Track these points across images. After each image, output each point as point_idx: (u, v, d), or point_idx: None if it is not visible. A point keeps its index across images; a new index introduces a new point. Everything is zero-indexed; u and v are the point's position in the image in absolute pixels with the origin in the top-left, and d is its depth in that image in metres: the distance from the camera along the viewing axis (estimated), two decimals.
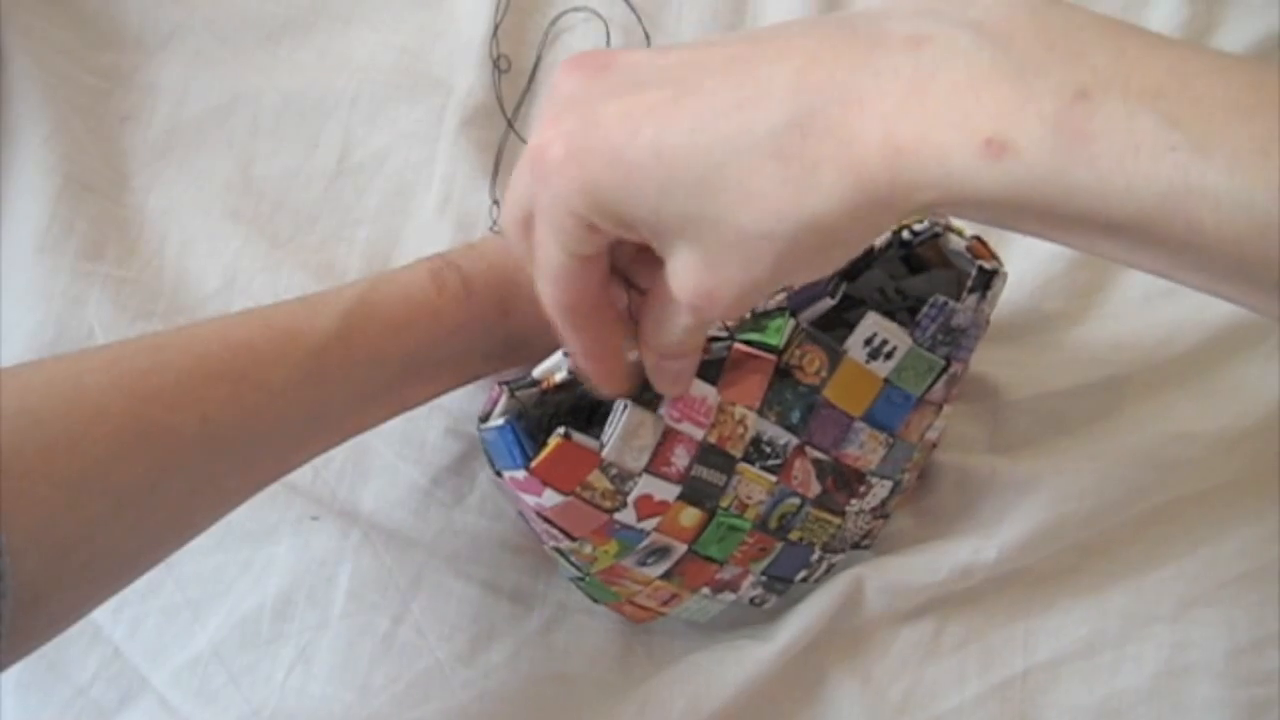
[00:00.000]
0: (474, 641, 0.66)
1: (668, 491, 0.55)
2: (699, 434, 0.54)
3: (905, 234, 0.57)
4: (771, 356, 0.55)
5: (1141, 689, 0.67)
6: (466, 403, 0.68)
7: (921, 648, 0.68)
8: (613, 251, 0.42)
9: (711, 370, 0.54)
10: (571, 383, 0.53)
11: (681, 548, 0.58)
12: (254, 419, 0.50)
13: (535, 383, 0.54)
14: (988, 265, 0.58)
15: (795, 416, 0.57)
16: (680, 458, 0.54)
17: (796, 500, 0.60)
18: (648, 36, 0.78)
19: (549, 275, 0.41)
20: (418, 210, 0.74)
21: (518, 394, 0.54)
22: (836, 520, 0.63)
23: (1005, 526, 0.66)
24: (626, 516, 0.55)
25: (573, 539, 0.56)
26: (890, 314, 0.57)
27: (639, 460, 0.53)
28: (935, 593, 0.67)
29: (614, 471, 0.53)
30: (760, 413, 0.56)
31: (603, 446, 0.52)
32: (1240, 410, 0.70)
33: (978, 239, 0.58)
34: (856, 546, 0.67)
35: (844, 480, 0.61)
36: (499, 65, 0.76)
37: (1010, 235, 0.75)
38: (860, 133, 0.33)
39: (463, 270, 0.58)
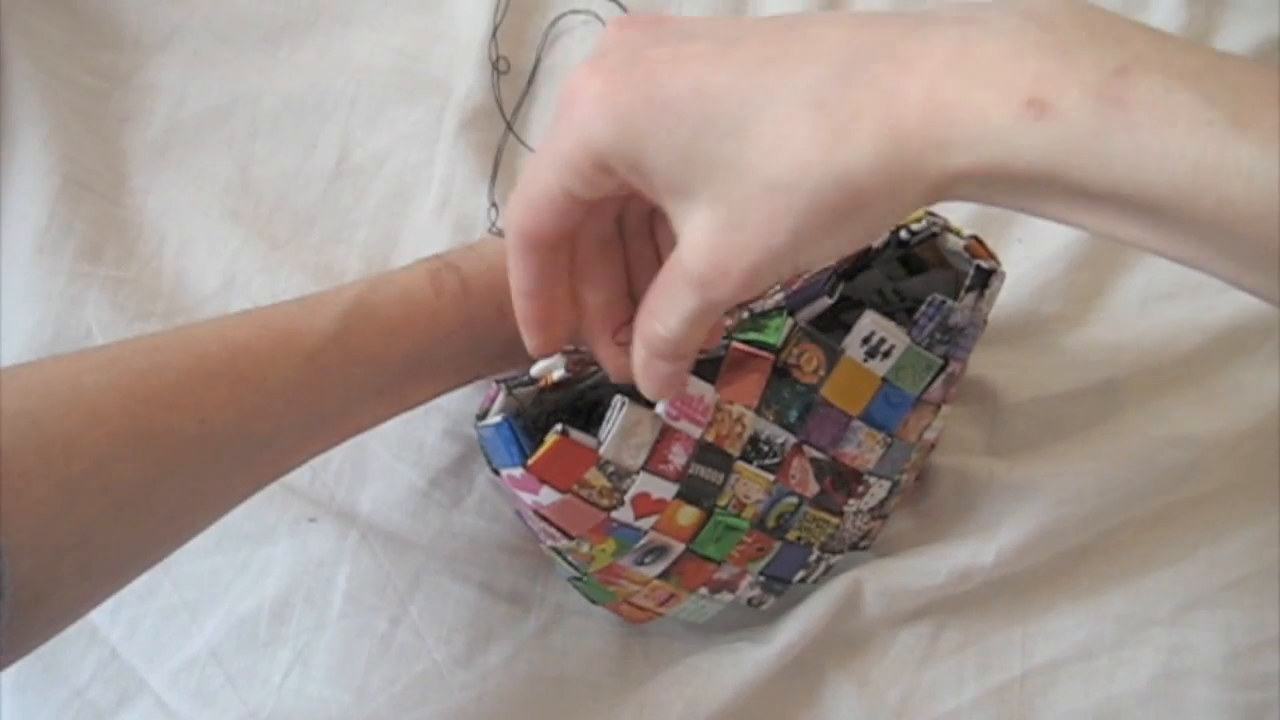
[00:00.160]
0: (472, 643, 0.66)
1: (665, 490, 0.55)
2: (697, 432, 0.54)
3: (903, 234, 0.58)
4: (769, 355, 0.55)
5: (1139, 692, 0.67)
6: (465, 404, 0.68)
7: (919, 650, 0.68)
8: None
9: (709, 369, 0.54)
10: (569, 381, 0.53)
11: (679, 547, 0.58)
12: (252, 420, 0.50)
13: (533, 380, 0.54)
14: (985, 264, 0.58)
15: (793, 415, 0.57)
16: (678, 456, 0.54)
17: (794, 499, 0.60)
18: None
19: (528, 198, 0.40)
20: (416, 212, 0.75)
21: (515, 391, 0.54)
22: (835, 520, 0.63)
23: (1003, 529, 0.66)
24: (624, 514, 0.55)
25: (570, 537, 0.56)
26: (888, 315, 0.57)
27: (636, 458, 0.53)
28: (933, 596, 0.67)
29: (611, 469, 0.53)
30: (758, 411, 0.56)
31: (600, 444, 0.52)
32: (1238, 414, 0.70)
33: (975, 238, 0.58)
34: (855, 547, 0.67)
35: (842, 480, 0.61)
36: (498, 67, 0.76)
37: (1008, 236, 0.76)
38: (903, 89, 0.33)
39: (461, 271, 0.58)
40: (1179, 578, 0.69)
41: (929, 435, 0.64)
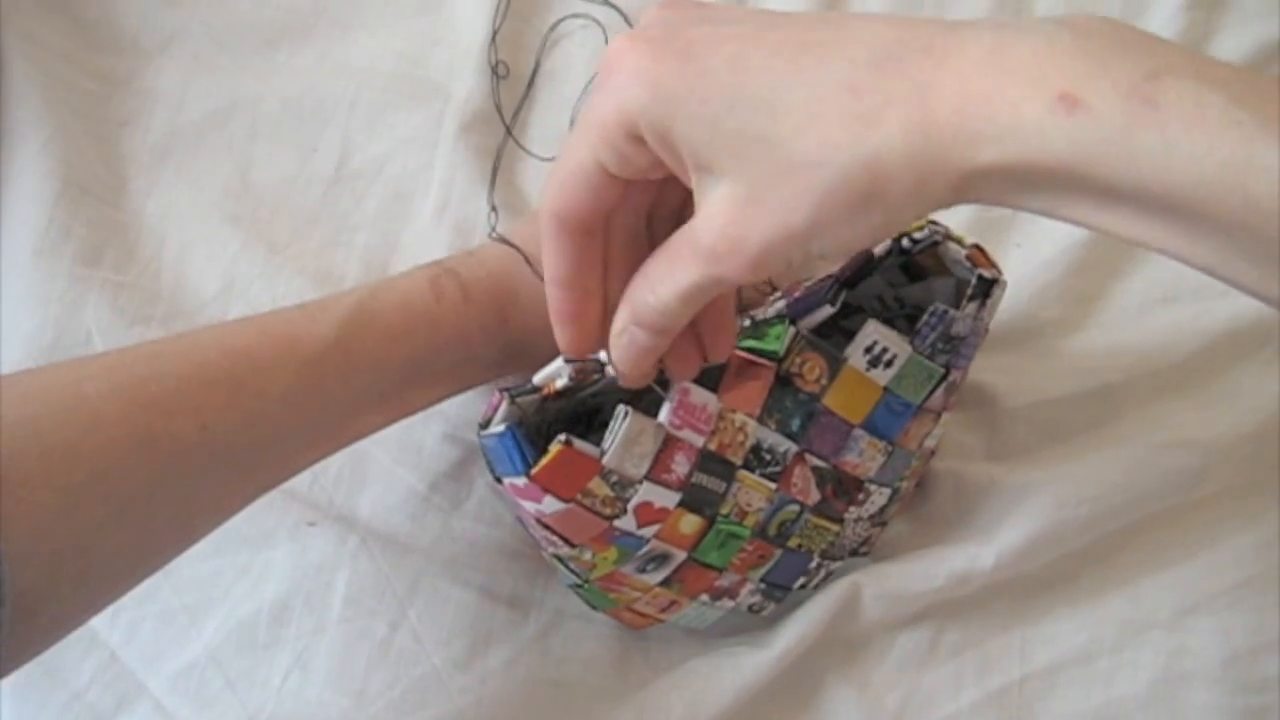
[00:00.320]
0: (471, 647, 0.66)
1: (668, 499, 0.55)
2: (699, 441, 0.54)
3: (905, 242, 0.58)
4: (772, 364, 0.55)
5: (1139, 696, 0.67)
6: (464, 408, 0.68)
7: (918, 655, 0.68)
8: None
9: (712, 377, 0.54)
10: (572, 389, 0.53)
11: (681, 555, 0.58)
12: (252, 426, 0.50)
13: (536, 389, 0.54)
14: (987, 274, 0.58)
15: (795, 424, 0.57)
16: (680, 465, 0.54)
17: (796, 507, 0.60)
18: None
19: (561, 176, 0.41)
20: (416, 216, 0.75)
21: (518, 400, 0.54)
22: (835, 528, 0.63)
23: (1002, 533, 0.66)
24: (626, 523, 0.55)
25: (572, 546, 0.55)
26: (889, 321, 0.57)
27: (639, 467, 0.53)
28: (932, 600, 0.67)
29: (614, 478, 0.53)
30: (760, 420, 0.56)
31: (603, 453, 0.52)
32: (1237, 418, 0.70)
33: (977, 247, 0.58)
34: (855, 554, 0.67)
35: (843, 488, 0.61)
36: (497, 71, 0.76)
37: (1006, 241, 0.76)
38: (937, 81, 0.34)
39: (461, 278, 0.58)
40: (1178, 581, 0.69)
41: (929, 443, 0.64)
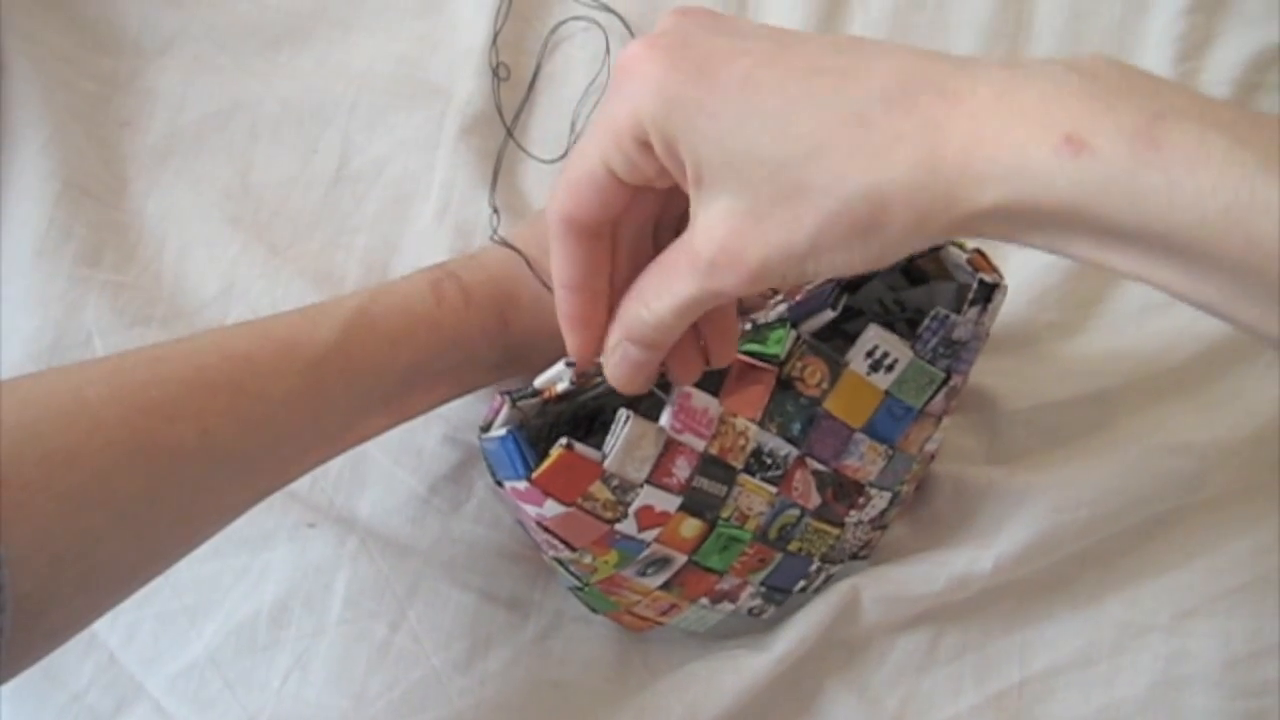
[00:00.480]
0: (470, 649, 0.66)
1: (669, 502, 0.55)
2: (700, 445, 0.54)
3: None
4: (773, 368, 0.55)
5: (1138, 699, 0.67)
6: (464, 411, 0.68)
7: (918, 658, 0.68)
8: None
9: (713, 381, 0.54)
10: (573, 393, 0.53)
11: (681, 558, 0.58)
12: (253, 431, 0.49)
13: (537, 393, 0.54)
14: (988, 278, 0.58)
15: (796, 428, 0.58)
16: (681, 469, 0.54)
17: (796, 511, 0.60)
18: None
19: (571, 179, 0.41)
20: (416, 218, 0.74)
21: (519, 404, 0.54)
22: (835, 531, 0.63)
23: (1002, 537, 0.66)
24: (627, 527, 0.55)
25: (573, 549, 0.55)
26: (890, 325, 0.57)
27: (641, 471, 0.53)
28: (932, 603, 0.67)
29: (615, 482, 0.53)
30: (761, 424, 0.56)
31: (605, 457, 0.52)
32: (1236, 421, 0.70)
33: (978, 252, 0.58)
34: (855, 557, 0.67)
35: (844, 491, 0.61)
36: (498, 73, 0.76)
37: (1008, 247, 0.76)
38: (946, 121, 0.34)
39: (462, 281, 0.58)
40: (1178, 585, 0.69)
41: (930, 447, 0.64)
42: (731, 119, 0.36)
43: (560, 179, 0.42)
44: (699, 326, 0.46)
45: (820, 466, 0.60)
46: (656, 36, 0.38)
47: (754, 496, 0.58)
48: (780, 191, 0.36)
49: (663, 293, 0.41)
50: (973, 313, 0.58)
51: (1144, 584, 0.69)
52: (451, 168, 0.74)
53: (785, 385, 0.56)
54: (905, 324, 0.62)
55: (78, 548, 0.43)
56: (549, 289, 0.58)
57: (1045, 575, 0.69)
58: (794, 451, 0.58)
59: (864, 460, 0.61)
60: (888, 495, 0.64)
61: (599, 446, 0.52)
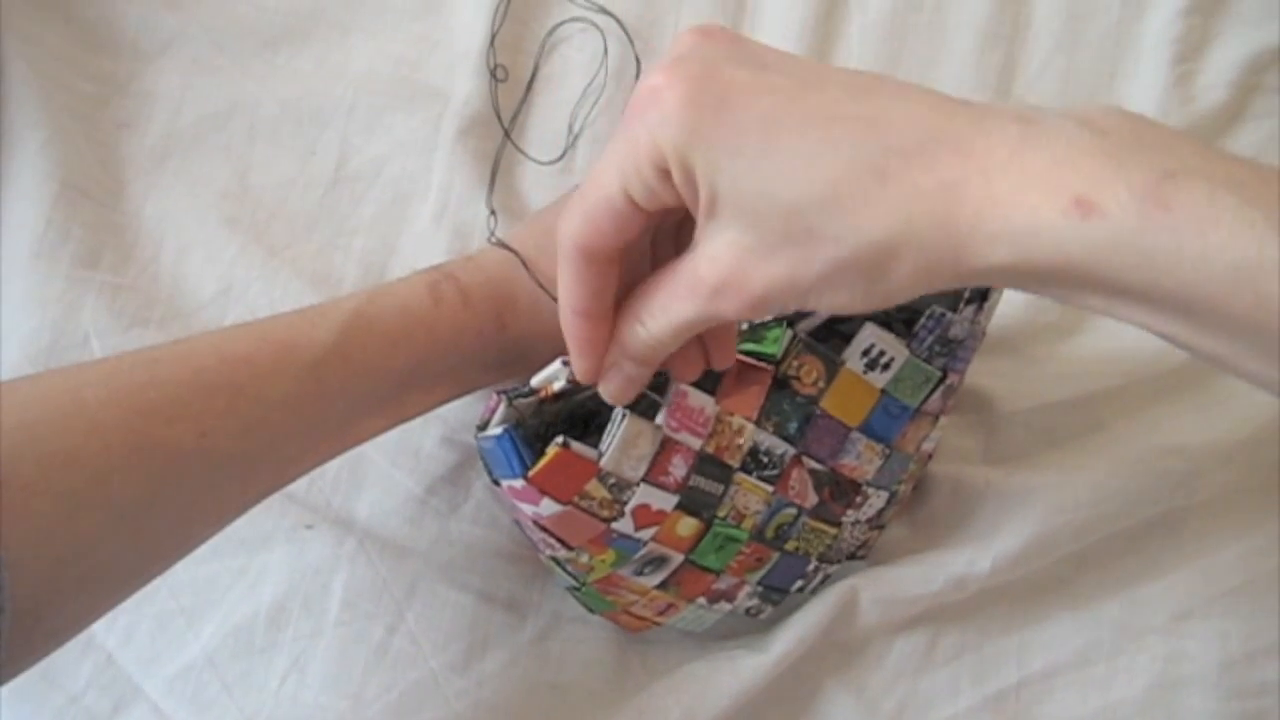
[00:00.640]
0: (468, 651, 0.66)
1: (665, 501, 0.55)
2: (697, 444, 0.55)
3: None
4: (769, 367, 0.56)
5: (1135, 700, 0.67)
6: (462, 412, 0.68)
7: (916, 659, 0.68)
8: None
9: (710, 380, 0.54)
10: (570, 392, 0.53)
11: (678, 557, 0.58)
12: (251, 432, 0.49)
13: (533, 392, 0.54)
14: None
15: (793, 427, 0.58)
16: (678, 467, 0.54)
17: (793, 510, 0.60)
18: (638, 61, 0.78)
19: (587, 207, 0.41)
20: (414, 219, 0.74)
21: (516, 403, 0.54)
22: (833, 531, 0.63)
23: (999, 538, 0.66)
24: (624, 526, 0.55)
25: (570, 548, 0.56)
26: (886, 324, 0.57)
27: (637, 470, 0.53)
28: (929, 604, 0.67)
29: (612, 481, 0.53)
30: (758, 423, 0.56)
31: (601, 456, 0.52)
32: (1234, 424, 0.71)
33: None
34: (852, 557, 0.67)
35: (840, 491, 0.61)
36: (496, 75, 0.76)
37: None
38: (962, 179, 0.35)
39: (460, 283, 0.58)
40: (1175, 586, 0.69)
41: (927, 446, 0.65)
42: (750, 158, 0.37)
43: (573, 208, 0.42)
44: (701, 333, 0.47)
45: (817, 465, 0.60)
46: (678, 64, 0.38)
47: (751, 495, 0.58)
48: (792, 233, 0.37)
49: (661, 312, 0.42)
50: (969, 311, 0.58)
51: (1141, 585, 0.69)
52: (449, 169, 0.74)
53: (782, 384, 0.56)
54: (901, 323, 0.62)
55: (77, 549, 0.43)
56: (546, 291, 0.59)
57: (1043, 576, 0.69)
58: (791, 450, 0.58)
59: (861, 459, 0.61)
60: (885, 495, 0.64)
61: (595, 445, 0.52)
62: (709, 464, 0.55)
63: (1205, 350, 0.34)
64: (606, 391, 0.47)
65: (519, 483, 0.52)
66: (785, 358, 0.56)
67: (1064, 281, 0.34)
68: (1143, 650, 0.68)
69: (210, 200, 0.73)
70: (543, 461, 0.51)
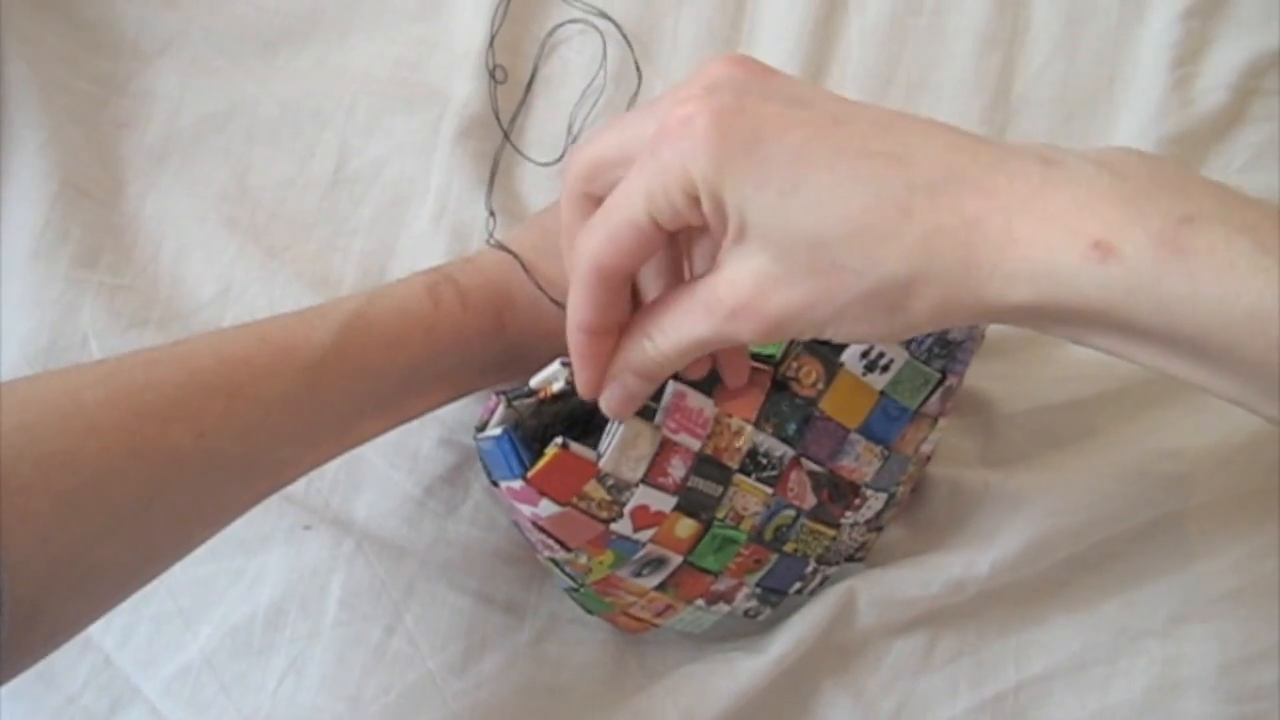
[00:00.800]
0: (466, 652, 0.66)
1: (664, 502, 0.55)
2: (695, 445, 0.54)
3: None
4: (768, 368, 0.56)
5: (1133, 703, 0.67)
6: (460, 413, 0.68)
7: (914, 661, 0.68)
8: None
9: (709, 382, 0.54)
10: (568, 393, 0.53)
11: (677, 559, 0.58)
12: (250, 433, 0.49)
13: (532, 393, 0.54)
14: None
15: (791, 428, 0.58)
16: (677, 469, 0.54)
17: (792, 512, 0.60)
18: (637, 67, 0.78)
19: (611, 227, 0.42)
20: (413, 221, 0.74)
21: (515, 404, 0.54)
22: (831, 532, 0.63)
23: (998, 540, 0.66)
24: (623, 527, 0.55)
25: (568, 549, 0.55)
26: None
27: (636, 471, 0.53)
28: (928, 606, 0.67)
29: (611, 482, 0.53)
30: (757, 425, 0.56)
31: (600, 457, 0.52)
32: (1232, 427, 0.70)
33: None
34: (850, 559, 0.67)
35: (839, 492, 0.61)
36: (495, 76, 0.76)
37: None
38: (984, 217, 0.35)
39: (459, 284, 0.58)
40: (1173, 589, 0.69)
41: (926, 448, 0.65)
42: (779, 191, 0.37)
43: (594, 228, 0.42)
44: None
45: (816, 467, 0.60)
46: (710, 94, 0.39)
47: (749, 497, 0.58)
48: (816, 266, 0.38)
49: (672, 329, 0.43)
50: None
51: (1139, 588, 0.69)
52: (448, 170, 0.74)
53: (781, 386, 0.56)
54: None
55: (75, 550, 0.43)
56: (546, 293, 0.59)
57: (1041, 579, 0.69)
58: (789, 452, 0.58)
59: (860, 461, 0.61)
60: (883, 496, 0.64)
61: (594, 446, 0.52)
62: (708, 465, 0.55)
63: (1220, 392, 0.35)
64: (607, 404, 0.48)
65: (518, 484, 0.52)
66: (784, 359, 0.56)
67: (1081, 323, 0.35)
68: (1141, 653, 0.68)
69: (209, 201, 0.73)
70: (541, 462, 0.51)
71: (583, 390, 0.48)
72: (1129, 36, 0.81)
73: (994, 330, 0.62)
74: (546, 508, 0.52)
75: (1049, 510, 0.66)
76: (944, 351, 0.59)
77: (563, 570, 0.58)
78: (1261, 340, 0.31)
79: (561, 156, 0.76)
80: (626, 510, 0.54)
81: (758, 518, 0.59)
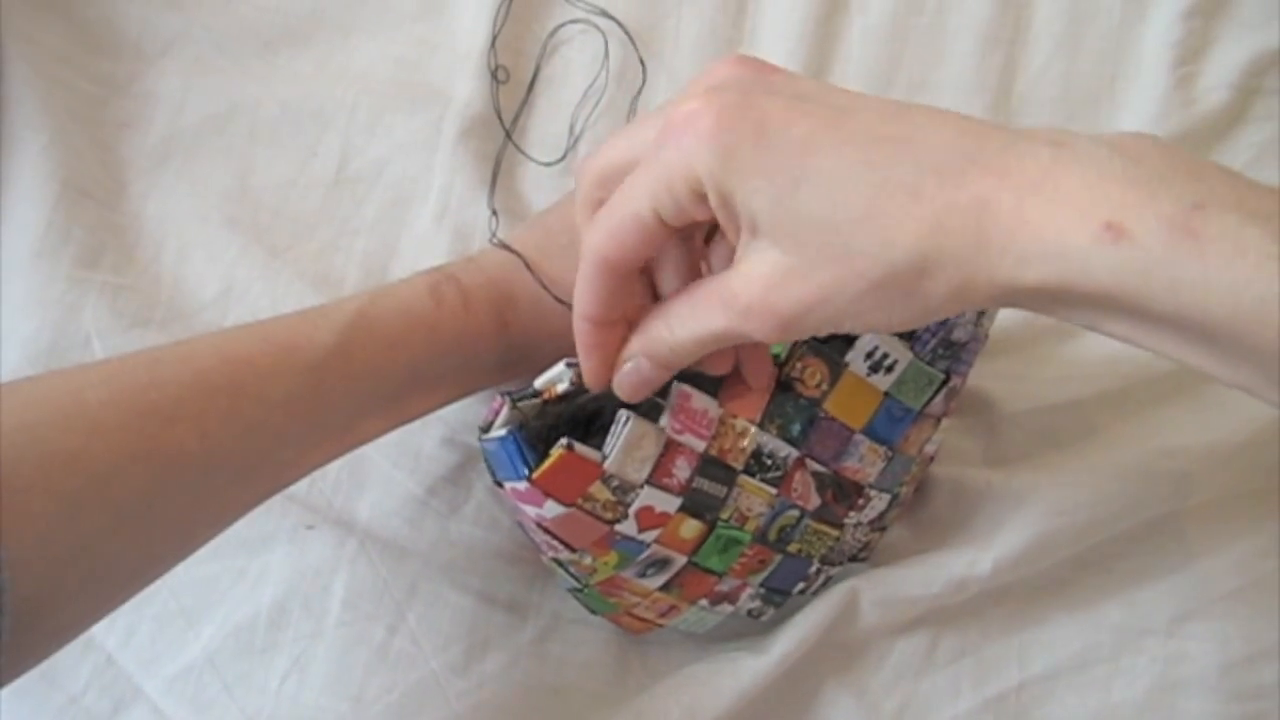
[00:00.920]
0: (469, 652, 0.66)
1: (669, 503, 0.55)
2: (700, 446, 0.54)
3: None
4: (773, 369, 0.55)
5: (1135, 703, 0.67)
6: (463, 412, 0.68)
7: (916, 660, 0.68)
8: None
9: (713, 383, 0.54)
10: (573, 394, 0.53)
11: (681, 559, 0.58)
12: (253, 433, 0.49)
13: (537, 394, 0.54)
14: None
15: (796, 429, 0.58)
16: (681, 470, 0.54)
17: (796, 512, 0.60)
18: (643, 64, 0.78)
19: (614, 221, 0.42)
20: (415, 220, 0.74)
21: (519, 405, 0.54)
22: (835, 533, 0.63)
23: (1000, 539, 0.66)
24: (627, 528, 0.55)
25: (573, 550, 0.55)
26: None
27: (641, 472, 0.53)
28: (930, 605, 0.67)
29: (615, 483, 0.53)
30: (761, 425, 0.56)
31: (605, 458, 0.52)
32: (1234, 425, 0.71)
33: None
34: (854, 559, 0.67)
35: (843, 493, 0.61)
36: (497, 76, 0.76)
37: None
38: (994, 198, 0.35)
39: (461, 284, 0.58)
40: (1175, 588, 0.69)
41: (929, 448, 0.65)
42: (787, 181, 0.37)
43: (600, 220, 0.43)
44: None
45: (820, 468, 0.60)
46: (715, 91, 0.39)
47: (754, 498, 0.58)
48: (829, 254, 0.38)
49: (690, 319, 0.43)
50: (971, 314, 0.58)
51: (1141, 587, 0.69)
52: (450, 170, 0.74)
53: (785, 386, 0.56)
54: None
55: (78, 550, 0.43)
56: (549, 292, 0.59)
57: (1043, 578, 0.69)
58: (794, 453, 0.58)
59: (863, 461, 0.61)
60: (887, 497, 0.64)
61: (599, 447, 0.52)
62: (712, 466, 0.55)
63: (1230, 379, 0.35)
64: (620, 385, 0.48)
65: (522, 485, 0.52)
66: (788, 360, 0.56)
67: (1093, 305, 0.35)
68: (1142, 652, 0.68)
69: (211, 201, 0.73)
70: (547, 463, 0.51)
71: (588, 378, 0.48)
72: (1130, 36, 0.81)
73: (996, 330, 0.62)
74: (551, 509, 0.52)
75: (1051, 509, 0.66)
76: (948, 352, 0.59)
77: (567, 571, 0.58)
78: (1272, 328, 0.31)
79: (564, 156, 0.76)
80: (631, 511, 0.54)
81: (762, 518, 0.59)
